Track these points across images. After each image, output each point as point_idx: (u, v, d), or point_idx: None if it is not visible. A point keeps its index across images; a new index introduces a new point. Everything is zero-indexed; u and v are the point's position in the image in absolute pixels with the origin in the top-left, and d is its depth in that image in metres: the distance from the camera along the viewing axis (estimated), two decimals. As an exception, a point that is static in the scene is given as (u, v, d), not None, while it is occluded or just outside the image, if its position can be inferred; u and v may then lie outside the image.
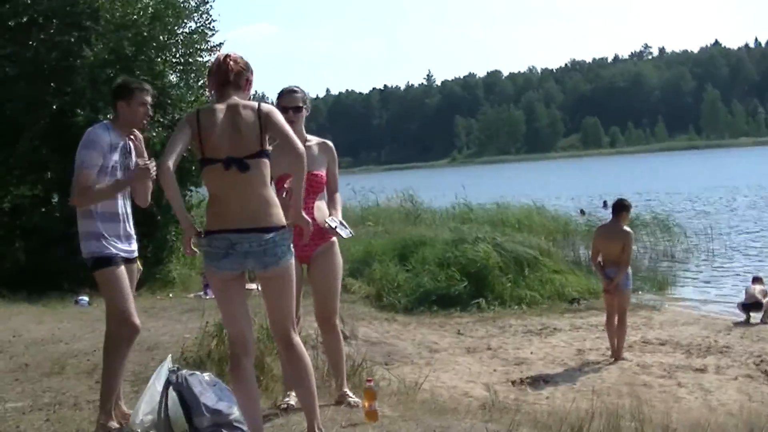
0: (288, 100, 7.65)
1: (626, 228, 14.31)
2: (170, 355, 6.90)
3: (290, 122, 7.00)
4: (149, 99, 7.23)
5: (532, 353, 14.73)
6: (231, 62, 6.15)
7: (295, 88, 7.74)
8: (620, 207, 14.46)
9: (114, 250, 6.95)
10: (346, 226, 7.73)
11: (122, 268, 6.96)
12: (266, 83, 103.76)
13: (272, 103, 7.47)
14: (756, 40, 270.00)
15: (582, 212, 40.48)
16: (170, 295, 19.32)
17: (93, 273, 7.00)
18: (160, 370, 6.15)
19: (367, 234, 24.14)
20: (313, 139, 7.78)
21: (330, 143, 7.88)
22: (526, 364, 13.92)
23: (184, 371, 6.13)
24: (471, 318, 17.92)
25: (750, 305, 17.20)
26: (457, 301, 18.90)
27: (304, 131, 7.69)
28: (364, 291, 19.76)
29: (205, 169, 6.04)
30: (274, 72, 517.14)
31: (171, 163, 5.79)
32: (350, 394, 7.72)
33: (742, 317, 17.17)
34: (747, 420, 7.68)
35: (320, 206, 7.59)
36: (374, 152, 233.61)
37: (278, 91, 7.78)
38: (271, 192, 6.10)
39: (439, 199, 33.72)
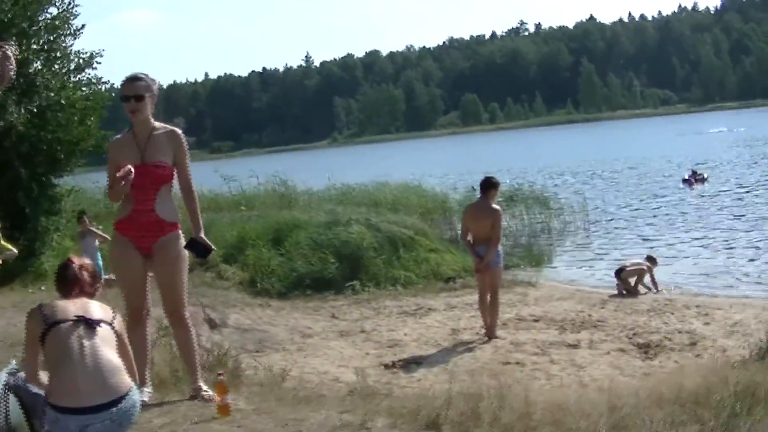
0: (129, 88, 7.31)
1: (495, 206, 14.09)
2: (15, 357, 6.52)
3: (132, 111, 6.68)
4: (13, 51, 6.53)
5: (405, 335, 14.53)
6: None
7: (140, 75, 7.38)
8: (488, 185, 14.22)
9: None
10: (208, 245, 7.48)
11: None
12: (148, 69, 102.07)
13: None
14: (630, 14, 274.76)
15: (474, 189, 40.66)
16: (42, 288, 18.68)
17: None
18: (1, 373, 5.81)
19: (241, 219, 23.72)
20: (160, 128, 7.40)
21: (178, 131, 7.51)
22: (400, 346, 13.71)
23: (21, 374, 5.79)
24: (346, 301, 17.71)
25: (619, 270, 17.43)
26: (331, 284, 18.67)
27: (151, 119, 7.35)
28: (237, 277, 19.42)
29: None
30: (155, 57, 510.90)
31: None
32: (205, 388, 7.44)
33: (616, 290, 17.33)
34: (612, 396, 7.50)
35: (163, 197, 7.27)
36: (255, 135, 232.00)
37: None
38: None
39: (317, 181, 33.41)
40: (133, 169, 6.99)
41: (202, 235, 7.43)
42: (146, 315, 7.39)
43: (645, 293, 17.49)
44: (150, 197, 7.14)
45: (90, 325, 5.34)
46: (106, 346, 5.32)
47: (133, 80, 7.32)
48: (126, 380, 5.33)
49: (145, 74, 7.37)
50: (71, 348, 5.25)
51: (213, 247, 7.59)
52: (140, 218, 7.17)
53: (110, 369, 5.26)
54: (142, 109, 7.20)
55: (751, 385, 6.84)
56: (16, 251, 17.18)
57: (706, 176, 42.34)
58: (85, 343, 5.27)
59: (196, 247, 7.38)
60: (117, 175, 7.02)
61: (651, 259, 18.61)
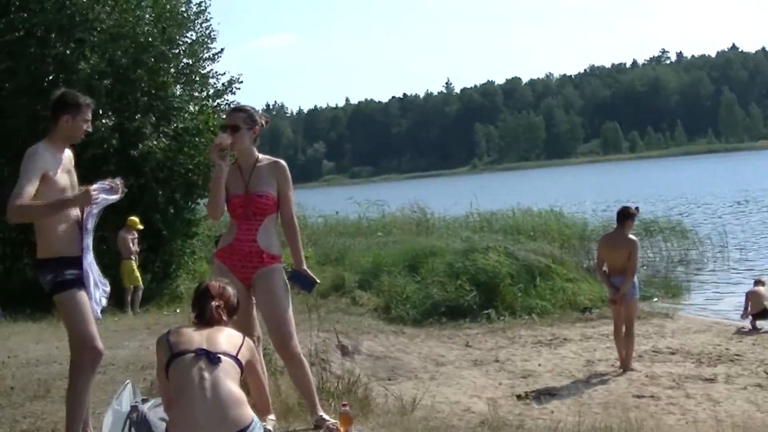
0: (228, 118, 7.47)
1: (631, 236, 13.89)
2: (129, 381, 6.68)
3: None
4: (90, 115, 6.93)
5: (540, 365, 14.45)
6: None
7: (244, 107, 7.49)
8: (624, 215, 14.01)
9: (72, 275, 6.67)
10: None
11: (82, 291, 6.68)
12: (287, 94, 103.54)
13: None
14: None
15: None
16: (177, 310, 19.11)
17: (52, 297, 6.73)
18: (120, 394, 5.95)
19: (377, 245, 23.87)
20: (264, 159, 7.42)
21: (282, 163, 7.45)
22: (533, 377, 13.64)
23: (145, 406, 5.92)
24: (481, 329, 17.64)
25: (758, 314, 16.96)
26: (466, 312, 18.63)
27: (255, 151, 7.40)
28: (372, 303, 19.48)
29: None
30: (294, 82, 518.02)
31: None
32: (326, 417, 7.35)
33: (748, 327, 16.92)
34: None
35: (267, 228, 7.29)
36: (395, 161, 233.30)
37: None
38: None
39: (456, 207, 33.39)
40: (228, 138, 7.13)
41: (305, 267, 7.40)
42: (257, 342, 7.24)
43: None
44: (253, 227, 7.18)
45: (211, 358, 5.39)
46: (227, 379, 5.34)
47: (234, 111, 7.46)
48: (247, 413, 5.35)
49: (251, 107, 7.43)
50: (192, 380, 5.29)
51: (317, 279, 7.54)
52: (242, 247, 7.20)
53: (231, 402, 5.28)
54: (238, 140, 7.22)
55: None
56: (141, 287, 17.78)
57: None
58: (206, 375, 5.31)
59: (300, 278, 7.36)
60: (214, 144, 7.14)
61: (759, 282, 18.00)
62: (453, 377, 13.67)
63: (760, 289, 17.34)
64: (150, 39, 20.65)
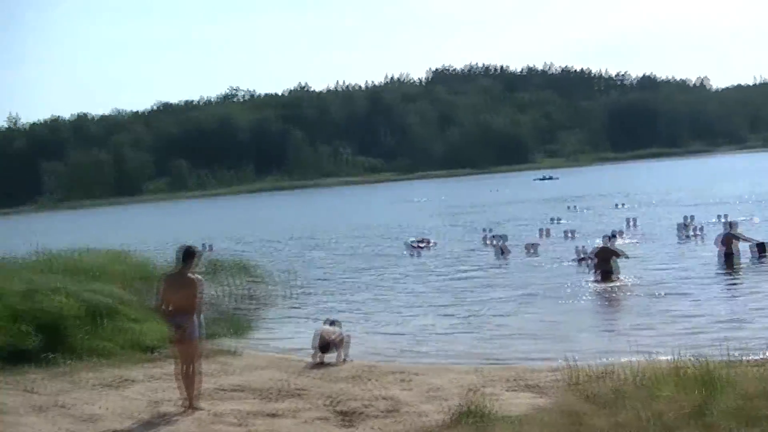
0: None
1: (194, 275, 13.87)
2: None
3: None
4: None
5: (106, 408, 14.10)
6: None
7: None
8: (188, 254, 13.96)
9: None
10: None
11: None
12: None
13: None
14: (338, 82, 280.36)
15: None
16: None
17: None
18: None
19: None
20: None
21: None
22: (97, 421, 13.29)
23: None
24: (44, 373, 16.95)
25: (322, 347, 17.51)
26: (28, 356, 17.89)
27: None
28: None
29: None
30: None
31: None
32: None
33: (316, 359, 17.44)
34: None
35: None
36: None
37: None
38: None
39: (15, 248, 32.27)
40: None
41: None
42: None
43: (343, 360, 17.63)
44: None
45: None
46: None
47: None
48: None
49: None
50: None
51: None
52: None
53: None
54: None
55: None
56: None
57: (432, 242, 43.71)
58: None
59: None
60: None
61: (333, 323, 18.68)
62: (12, 425, 13.09)
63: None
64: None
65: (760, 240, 30.50)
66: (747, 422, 6.96)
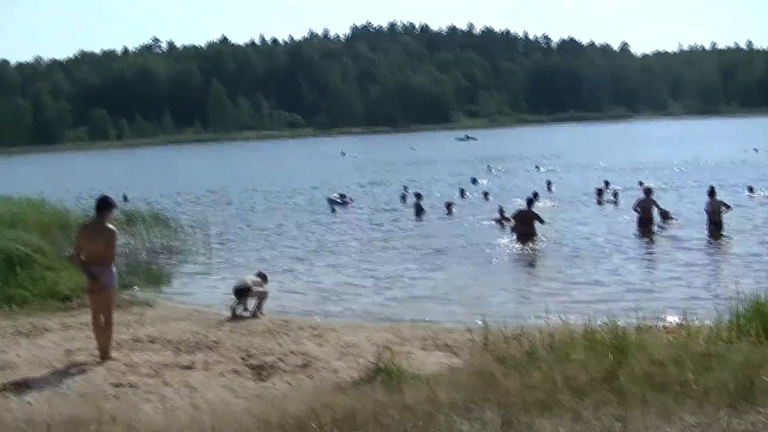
0: None
1: (110, 226, 13.80)
2: None
3: None
4: None
5: (19, 356, 14.06)
6: None
7: None
8: (104, 204, 13.88)
9: None
10: None
11: None
12: None
13: None
14: (261, 36, 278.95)
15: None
16: None
17: None
18: None
19: None
20: None
21: None
22: (12, 368, 13.25)
23: None
24: (-45, 321, 16.91)
25: (239, 290, 17.57)
26: (-60, 304, 17.82)
27: None
28: None
29: None
30: None
31: None
32: None
33: (234, 307, 17.52)
34: (217, 421, 7.64)
35: None
36: None
37: None
38: None
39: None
40: None
41: None
42: None
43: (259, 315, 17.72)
44: None
45: None
46: None
47: None
48: None
49: None
50: None
51: None
52: None
53: None
54: None
55: (351, 411, 7.12)
56: None
57: (350, 199, 43.78)
58: None
59: None
60: None
61: (262, 276, 18.82)
62: None
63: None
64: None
65: (665, 208, 30.99)
66: (657, 388, 7.15)
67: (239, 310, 17.56)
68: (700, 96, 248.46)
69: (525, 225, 28.36)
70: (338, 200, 42.89)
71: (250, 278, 18.13)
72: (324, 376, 12.47)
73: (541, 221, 28.44)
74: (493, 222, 32.70)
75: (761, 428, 5.95)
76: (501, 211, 32.78)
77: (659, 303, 17.54)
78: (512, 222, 29.44)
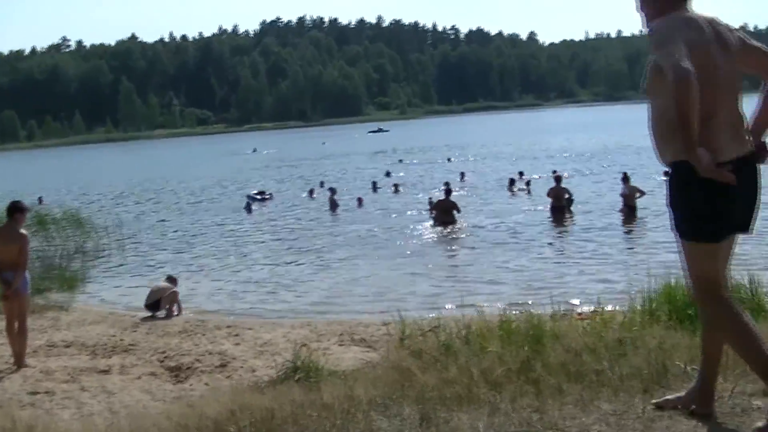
0: None
1: (22, 230, 13.67)
2: None
3: None
4: None
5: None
6: None
7: None
8: (15, 209, 13.77)
9: None
10: None
11: None
12: None
13: None
14: (171, 34, 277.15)
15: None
16: None
17: None
18: None
19: None
20: None
21: None
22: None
23: None
24: None
25: (151, 305, 17.56)
26: None
27: None
28: None
29: None
30: None
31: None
32: None
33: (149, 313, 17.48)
34: (135, 425, 7.58)
35: None
36: None
37: None
38: None
39: None
40: None
41: None
42: None
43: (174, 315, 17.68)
44: None
45: None
46: None
47: None
48: None
49: None
50: None
51: None
52: None
53: None
54: None
55: (269, 411, 7.10)
56: None
57: (269, 195, 43.65)
58: None
59: None
60: None
61: (171, 280, 18.80)
62: None
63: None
64: None
65: (570, 197, 31.35)
66: (572, 377, 7.22)
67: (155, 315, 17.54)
68: (607, 83, 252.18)
69: (445, 214, 28.71)
70: (257, 197, 42.73)
71: (161, 284, 18.12)
72: (242, 376, 12.42)
73: (458, 210, 28.84)
74: (427, 211, 32.40)
75: (674, 412, 6.05)
76: (431, 203, 32.76)
77: (573, 290, 17.76)
78: (433, 212, 29.74)
